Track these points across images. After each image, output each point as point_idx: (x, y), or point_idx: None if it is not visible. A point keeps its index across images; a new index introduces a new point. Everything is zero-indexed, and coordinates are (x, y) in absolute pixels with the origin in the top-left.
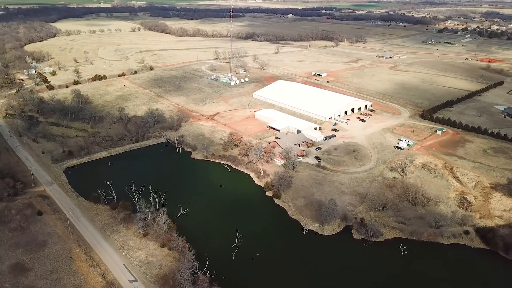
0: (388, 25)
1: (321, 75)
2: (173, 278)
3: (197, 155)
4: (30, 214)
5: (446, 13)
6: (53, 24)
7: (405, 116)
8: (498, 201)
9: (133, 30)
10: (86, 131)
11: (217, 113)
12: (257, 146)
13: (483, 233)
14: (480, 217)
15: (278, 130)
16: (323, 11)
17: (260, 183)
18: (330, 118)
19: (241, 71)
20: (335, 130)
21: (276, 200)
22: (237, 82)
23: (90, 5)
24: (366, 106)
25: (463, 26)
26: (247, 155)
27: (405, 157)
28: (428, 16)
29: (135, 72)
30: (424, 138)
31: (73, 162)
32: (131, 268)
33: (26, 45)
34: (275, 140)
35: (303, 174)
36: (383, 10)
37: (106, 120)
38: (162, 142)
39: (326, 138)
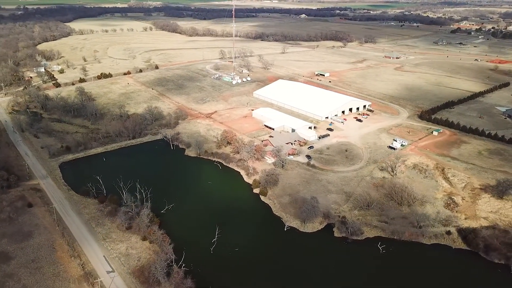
0: (401, 26)
1: (323, 75)
2: (149, 270)
3: (191, 152)
4: (20, 206)
5: (463, 13)
6: (68, 24)
7: (403, 116)
8: (486, 203)
9: (145, 29)
10: (86, 127)
11: (215, 111)
12: (249, 144)
13: (465, 234)
14: (465, 218)
15: (273, 129)
16: (338, 11)
17: (249, 180)
18: (327, 117)
19: (245, 71)
20: (330, 129)
21: (262, 197)
22: (239, 81)
23: (106, 5)
24: (364, 106)
25: (478, 27)
26: (238, 152)
27: (397, 157)
28: (443, 16)
29: (140, 71)
30: (420, 139)
31: (69, 157)
32: (110, 259)
33: (39, 44)
34: (268, 138)
35: (292, 173)
36: (399, 11)
37: (106, 117)
38: (158, 139)
39: (319, 137)
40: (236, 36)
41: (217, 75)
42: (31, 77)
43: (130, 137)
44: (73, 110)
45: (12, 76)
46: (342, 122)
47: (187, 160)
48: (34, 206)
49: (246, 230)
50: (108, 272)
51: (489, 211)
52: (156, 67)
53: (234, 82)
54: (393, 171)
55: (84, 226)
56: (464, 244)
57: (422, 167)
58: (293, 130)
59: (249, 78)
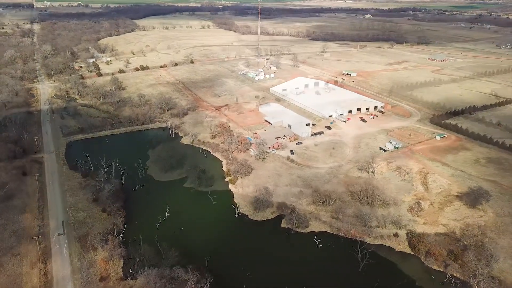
0: (470, 28)
1: (350, 75)
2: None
3: (185, 140)
4: (15, 174)
5: None
6: (135, 21)
7: (413, 119)
8: (454, 210)
9: (203, 27)
10: (108, 113)
11: (227, 104)
12: (238, 136)
13: (411, 237)
14: (424, 223)
15: (271, 123)
16: (411, 12)
17: (226, 169)
18: (331, 115)
19: (273, 68)
20: (329, 127)
21: (230, 185)
22: (262, 77)
23: (180, 4)
24: (376, 107)
25: None
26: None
27: (383, 158)
28: None
29: (176, 65)
30: (418, 142)
31: (79, 137)
32: (67, 224)
33: (103, 38)
34: (257, 132)
35: (269, 165)
36: (478, 12)
37: (128, 105)
38: (163, 127)
39: (312, 134)
40: (287, 34)
41: (244, 71)
42: (81, 67)
43: (139, 123)
44: (101, 97)
45: (63, 65)
46: (344, 121)
47: (179, 147)
48: (28, 175)
49: (200, 212)
50: (58, 235)
51: (452, 219)
52: (192, 62)
53: (256, 78)
54: (372, 172)
55: (60, 195)
56: (409, 248)
57: (405, 170)
58: (289, 126)
59: (272, 75)
